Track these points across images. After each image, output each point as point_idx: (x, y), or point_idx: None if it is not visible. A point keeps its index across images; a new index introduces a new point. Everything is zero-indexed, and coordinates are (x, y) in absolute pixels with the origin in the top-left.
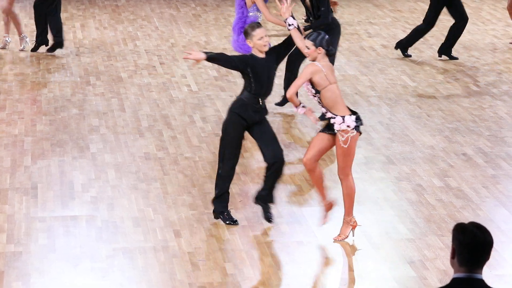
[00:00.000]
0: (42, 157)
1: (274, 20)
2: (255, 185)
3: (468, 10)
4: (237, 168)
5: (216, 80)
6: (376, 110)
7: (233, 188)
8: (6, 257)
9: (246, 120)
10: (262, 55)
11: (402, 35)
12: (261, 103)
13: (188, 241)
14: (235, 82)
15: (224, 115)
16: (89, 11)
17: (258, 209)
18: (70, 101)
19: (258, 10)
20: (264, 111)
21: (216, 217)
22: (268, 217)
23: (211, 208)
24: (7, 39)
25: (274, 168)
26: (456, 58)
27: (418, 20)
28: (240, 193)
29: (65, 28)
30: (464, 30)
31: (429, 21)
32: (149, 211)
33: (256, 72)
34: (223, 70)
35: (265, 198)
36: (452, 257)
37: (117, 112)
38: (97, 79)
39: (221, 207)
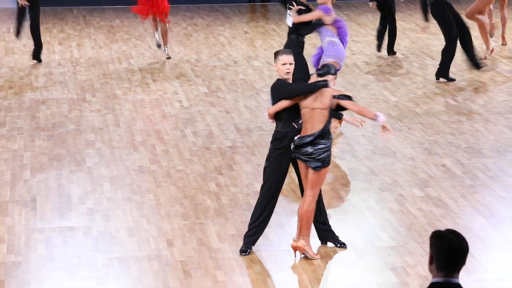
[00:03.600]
0: (41, 171)
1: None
2: (244, 196)
3: None
4: (227, 180)
5: (207, 96)
6: None
7: (223, 199)
8: (6, 267)
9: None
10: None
11: (384, 53)
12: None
13: (180, 250)
14: (224, 98)
15: (214, 129)
16: (85, 31)
17: (247, 218)
18: (67, 117)
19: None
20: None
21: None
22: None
23: (202, 218)
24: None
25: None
26: (453, 80)
27: (399, 38)
28: (230, 204)
29: (62, 47)
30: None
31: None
32: (143, 221)
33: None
34: (213, 86)
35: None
36: (430, 263)
37: (112, 127)
38: (93, 96)
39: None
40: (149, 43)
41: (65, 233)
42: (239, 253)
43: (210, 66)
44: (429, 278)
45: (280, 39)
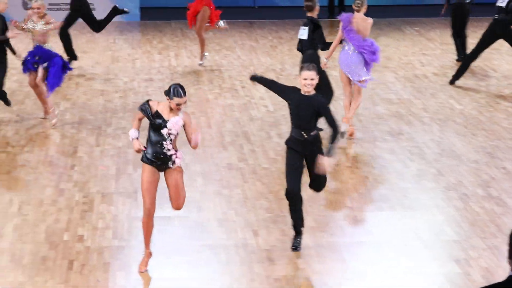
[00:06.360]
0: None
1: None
2: (323, 191)
3: (506, 44)
4: (308, 178)
5: None
6: (428, 129)
7: (304, 195)
8: (111, 250)
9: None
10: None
11: (450, 64)
12: (306, 136)
13: (265, 239)
14: None
15: None
16: (182, 42)
17: (326, 212)
18: None
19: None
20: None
21: None
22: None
23: (285, 212)
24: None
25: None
26: None
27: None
28: (308, 200)
29: (161, 57)
30: (503, 61)
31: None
32: (231, 213)
33: (295, 106)
34: None
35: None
36: (509, 256)
37: (204, 128)
38: (188, 100)
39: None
40: (238, 53)
41: (163, 221)
42: (290, 249)
43: (293, 75)
44: (491, 270)
45: None
